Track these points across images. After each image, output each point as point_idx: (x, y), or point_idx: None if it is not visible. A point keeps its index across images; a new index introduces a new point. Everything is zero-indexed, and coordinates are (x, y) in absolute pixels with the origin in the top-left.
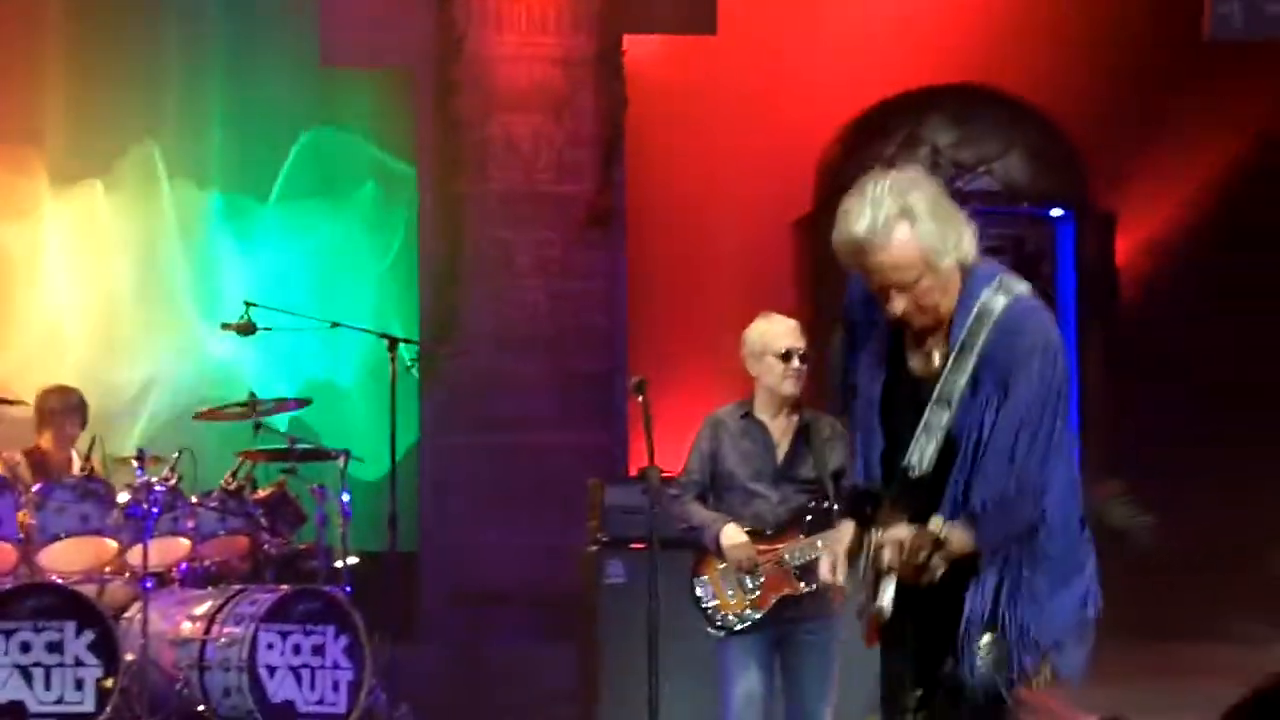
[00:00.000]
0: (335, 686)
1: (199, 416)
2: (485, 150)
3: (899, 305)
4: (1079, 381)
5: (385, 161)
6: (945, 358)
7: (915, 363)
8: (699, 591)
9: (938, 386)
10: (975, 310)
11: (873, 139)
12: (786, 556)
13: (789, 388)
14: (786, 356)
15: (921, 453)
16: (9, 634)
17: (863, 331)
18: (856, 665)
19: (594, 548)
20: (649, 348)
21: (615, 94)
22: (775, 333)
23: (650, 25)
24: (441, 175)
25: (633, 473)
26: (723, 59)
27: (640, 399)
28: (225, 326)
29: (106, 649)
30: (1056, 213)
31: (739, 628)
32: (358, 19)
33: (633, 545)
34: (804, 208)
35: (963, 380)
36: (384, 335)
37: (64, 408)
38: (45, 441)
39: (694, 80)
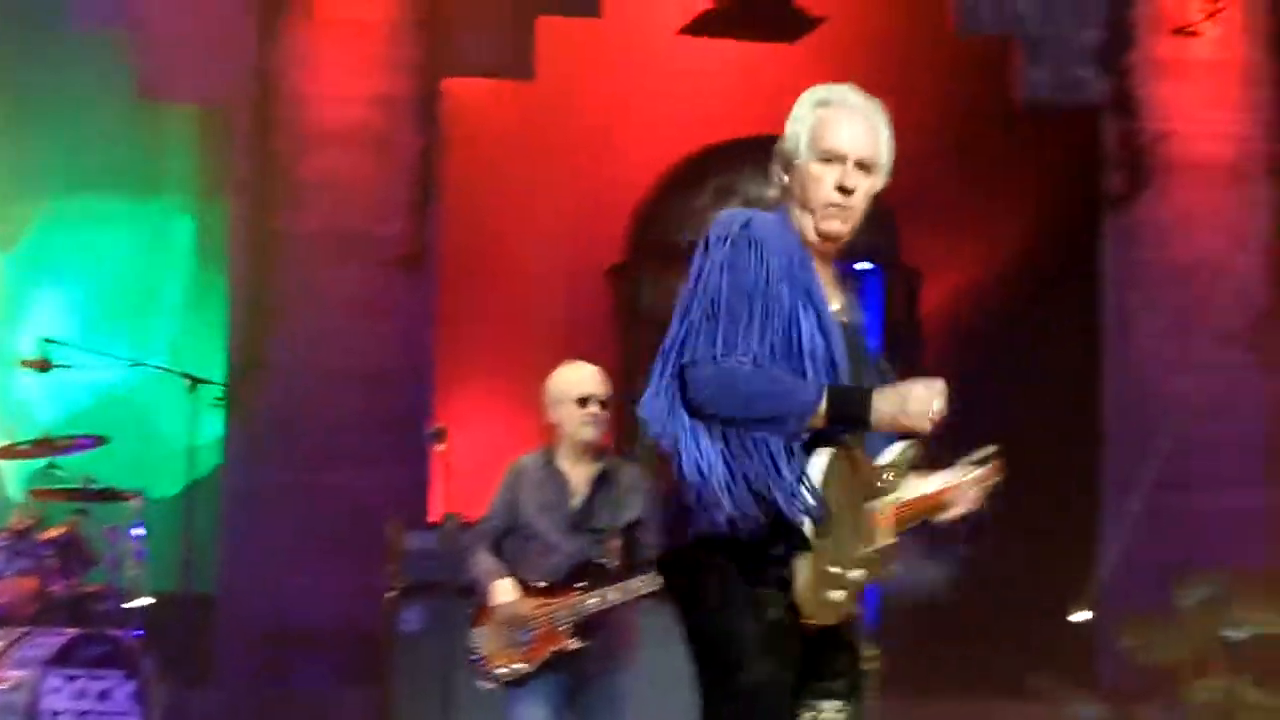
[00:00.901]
0: None
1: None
2: (300, 188)
3: (853, 179)
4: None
5: (200, 196)
6: (845, 305)
7: (834, 308)
8: (473, 643)
9: (850, 322)
10: None
11: (688, 188)
12: (561, 613)
13: (586, 433)
14: (583, 402)
15: None
16: None
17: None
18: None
19: (392, 593)
20: (459, 390)
21: (431, 135)
22: (573, 379)
23: (469, 69)
24: (255, 212)
25: (434, 518)
26: (540, 104)
27: (440, 447)
28: (24, 363)
29: None
30: (864, 265)
31: (509, 680)
32: (177, 53)
33: (430, 591)
34: (618, 255)
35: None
36: (185, 375)
37: None
38: None
39: (512, 125)
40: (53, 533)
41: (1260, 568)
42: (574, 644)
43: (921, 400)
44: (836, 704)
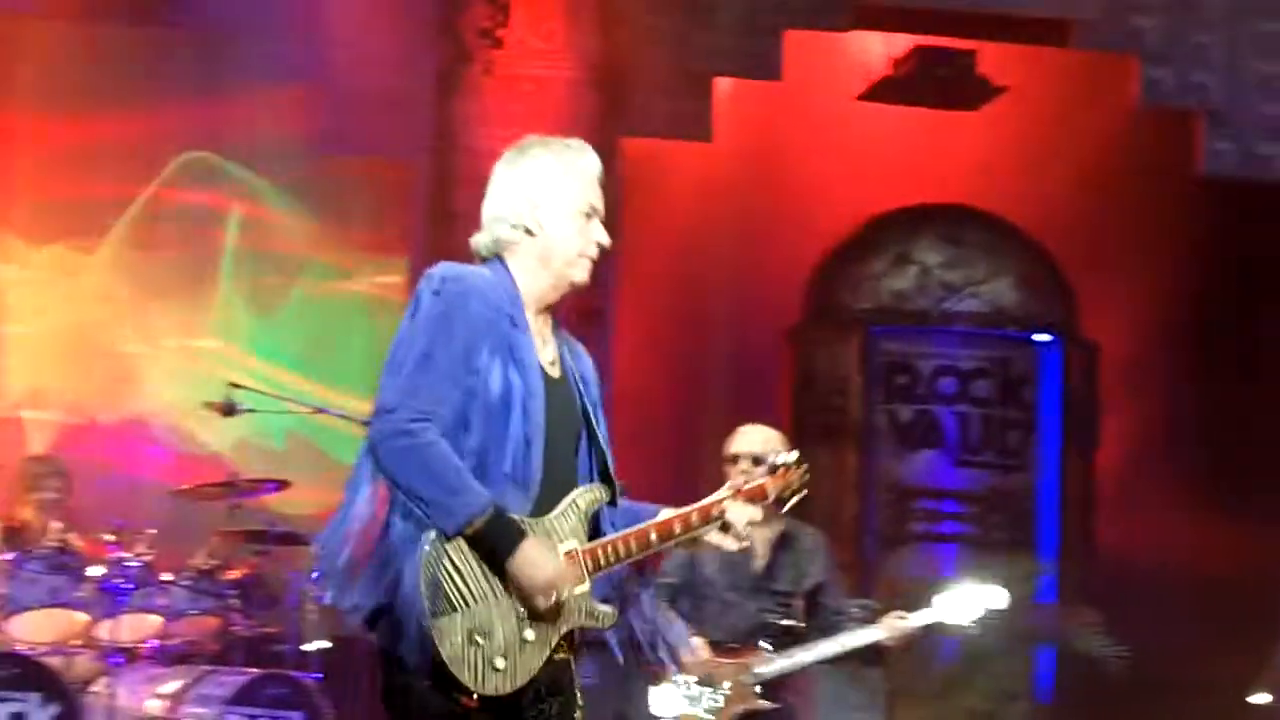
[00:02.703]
0: None
1: (177, 493)
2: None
3: (604, 232)
4: (1060, 505)
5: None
6: (558, 358)
7: (544, 360)
8: (656, 701)
9: (562, 374)
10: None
11: (864, 253)
12: (748, 675)
13: None
14: (735, 460)
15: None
16: None
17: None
18: None
19: None
20: (635, 451)
21: (608, 195)
22: (736, 438)
23: (646, 129)
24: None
25: None
26: (718, 166)
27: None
28: (207, 406)
29: None
30: (1042, 337)
31: None
32: (356, 110)
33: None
34: (793, 318)
35: (581, 380)
36: (366, 422)
37: (42, 474)
38: (22, 509)
39: (688, 186)
40: (236, 573)
41: None
42: (765, 704)
43: (543, 581)
44: None
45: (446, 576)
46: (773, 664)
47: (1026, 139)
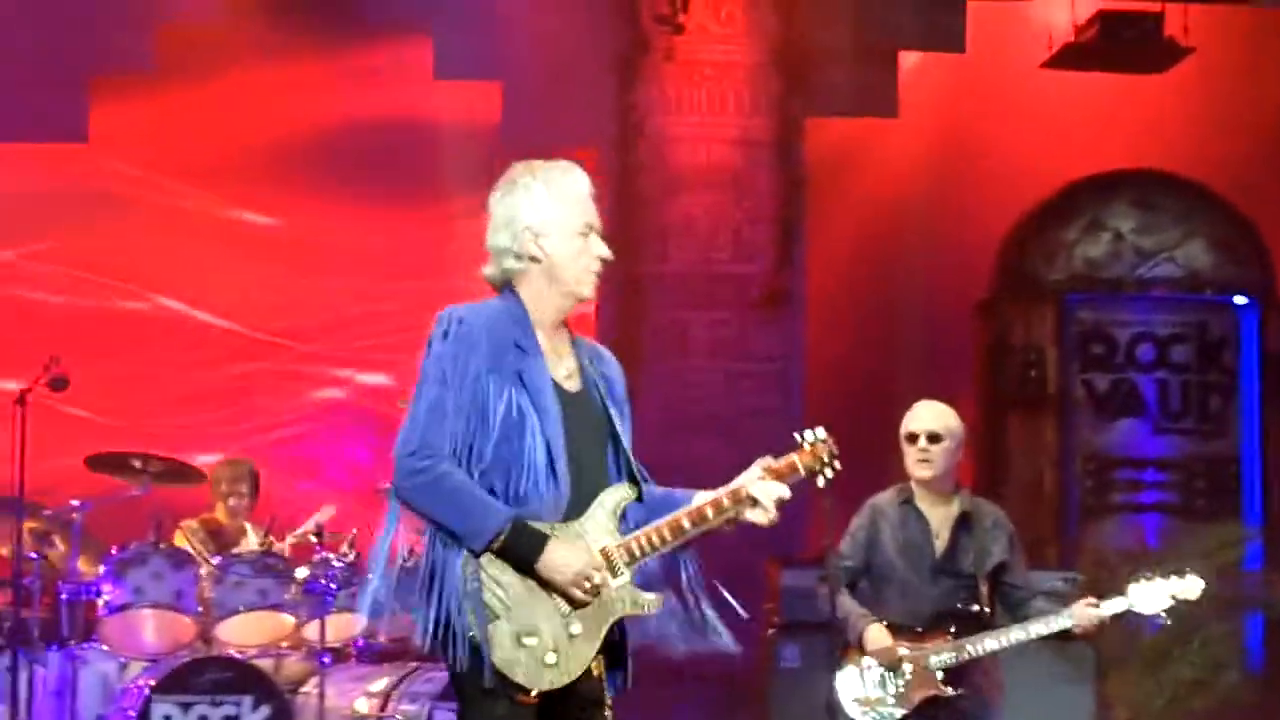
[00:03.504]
0: None
1: (380, 491)
2: (663, 229)
3: (606, 247)
4: (1263, 469)
5: None
6: (579, 369)
7: (558, 376)
8: (841, 685)
9: (597, 391)
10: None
11: (1055, 222)
12: (933, 660)
13: (918, 472)
14: (912, 439)
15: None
16: (187, 707)
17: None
18: None
19: (770, 630)
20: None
21: (793, 174)
22: (909, 416)
23: (831, 109)
24: (620, 254)
25: (808, 555)
26: (904, 141)
27: (821, 482)
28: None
29: None
30: (1240, 300)
31: None
32: (539, 101)
33: (809, 629)
34: (984, 291)
35: (605, 387)
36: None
37: (235, 478)
38: (219, 512)
39: (875, 162)
40: None
41: None
42: (950, 691)
43: (572, 575)
44: None
45: (487, 588)
46: (957, 651)
47: (1214, 99)
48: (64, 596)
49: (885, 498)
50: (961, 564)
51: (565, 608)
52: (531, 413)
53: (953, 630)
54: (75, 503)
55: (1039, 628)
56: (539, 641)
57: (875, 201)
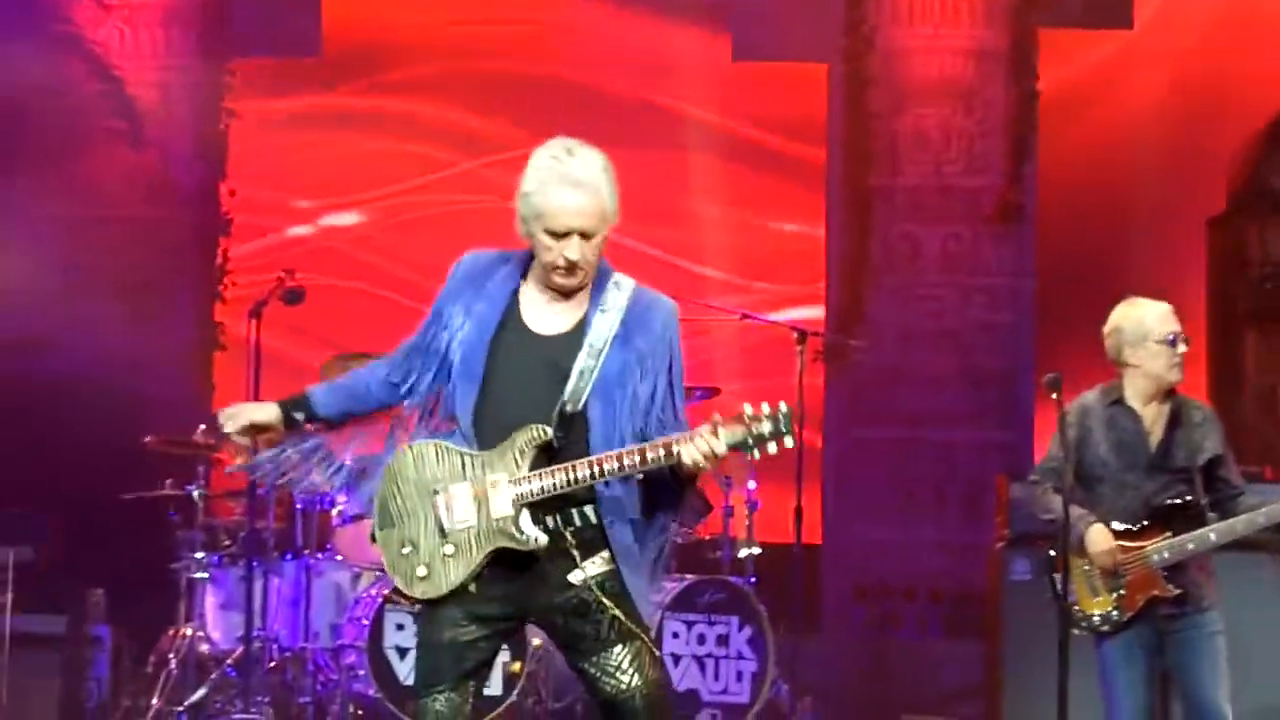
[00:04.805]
0: (739, 677)
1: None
2: (895, 143)
3: (576, 252)
4: None
5: (795, 153)
6: (581, 320)
7: (537, 323)
8: (1061, 588)
9: (587, 339)
10: (613, 278)
11: None
12: (1155, 558)
13: (1176, 375)
14: (1173, 342)
15: (580, 392)
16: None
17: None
18: (1236, 659)
19: (1000, 544)
20: (1055, 345)
21: (1026, 87)
22: (1156, 317)
23: (1065, 19)
24: (851, 168)
25: None
26: (1138, 53)
27: (1055, 396)
28: None
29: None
30: None
31: (1104, 629)
32: (768, 15)
33: (1038, 542)
34: (1218, 206)
35: (609, 335)
36: (794, 327)
37: None
38: None
39: (1108, 74)
40: None
41: None
42: (1172, 590)
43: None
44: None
45: (391, 495)
46: (1176, 547)
47: None
48: (299, 506)
49: (1091, 397)
50: (1176, 459)
51: (446, 526)
52: (460, 342)
53: (1172, 527)
54: None
55: (1261, 518)
56: (413, 553)
57: (1107, 115)
